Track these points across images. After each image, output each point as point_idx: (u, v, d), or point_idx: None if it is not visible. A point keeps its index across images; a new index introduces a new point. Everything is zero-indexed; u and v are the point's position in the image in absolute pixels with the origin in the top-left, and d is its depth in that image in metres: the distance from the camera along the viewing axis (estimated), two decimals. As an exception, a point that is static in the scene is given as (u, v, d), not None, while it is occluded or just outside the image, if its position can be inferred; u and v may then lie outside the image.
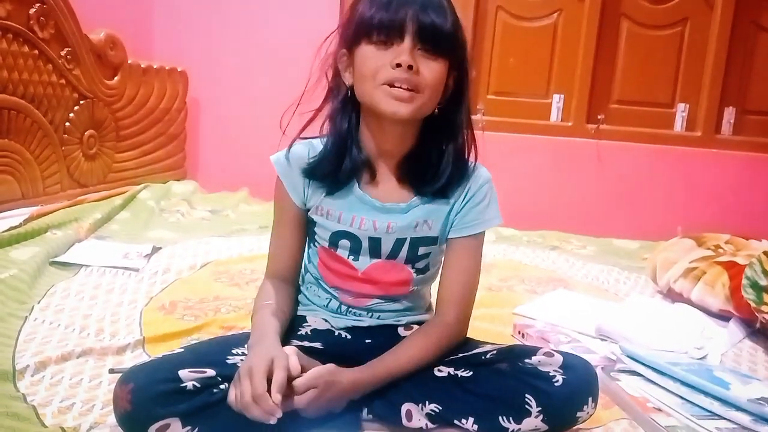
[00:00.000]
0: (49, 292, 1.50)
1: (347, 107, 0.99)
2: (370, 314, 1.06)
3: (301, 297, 1.10)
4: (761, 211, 2.73)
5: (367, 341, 1.04)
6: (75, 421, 0.95)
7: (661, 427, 1.03)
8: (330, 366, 0.89)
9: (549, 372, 0.91)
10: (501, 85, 2.93)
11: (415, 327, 1.06)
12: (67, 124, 2.30)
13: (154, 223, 2.30)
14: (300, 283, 1.11)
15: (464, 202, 1.02)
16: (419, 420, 0.94)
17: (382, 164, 1.01)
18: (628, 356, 1.23)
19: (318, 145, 1.02)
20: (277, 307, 0.99)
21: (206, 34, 3.01)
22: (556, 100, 2.90)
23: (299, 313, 1.08)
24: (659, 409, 1.08)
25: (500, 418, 0.90)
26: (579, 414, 0.92)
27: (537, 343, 1.31)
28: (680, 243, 1.93)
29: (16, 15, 2.03)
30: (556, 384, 0.90)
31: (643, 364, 1.20)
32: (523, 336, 1.43)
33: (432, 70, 0.92)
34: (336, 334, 1.05)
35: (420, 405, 0.94)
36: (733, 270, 1.63)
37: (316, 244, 1.06)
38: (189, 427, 0.83)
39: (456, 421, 0.92)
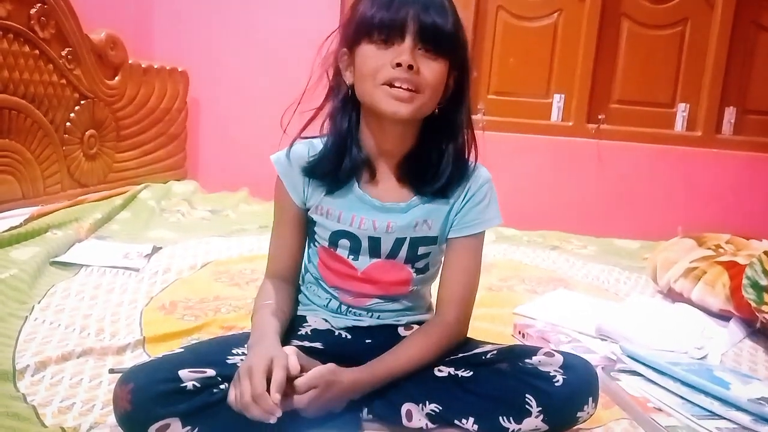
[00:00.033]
0: (49, 292, 1.50)
1: (347, 106, 0.99)
2: (370, 314, 1.06)
3: (301, 297, 1.10)
4: (761, 211, 2.73)
5: (367, 341, 1.04)
6: (75, 421, 0.95)
7: (661, 427, 1.02)
8: (330, 366, 0.89)
9: (549, 372, 0.91)
10: (501, 85, 2.93)
11: (416, 327, 1.06)
12: (68, 124, 2.30)
13: (154, 223, 2.30)
14: (300, 283, 1.11)
15: (464, 202, 1.02)
16: (419, 420, 0.94)
17: (382, 164, 1.01)
18: (628, 356, 1.23)
19: (318, 144, 1.02)
20: (277, 307, 0.99)
21: (206, 34, 3.01)
22: (557, 100, 2.90)
23: (299, 313, 1.08)
24: (659, 409, 1.08)
25: (500, 418, 0.90)
26: (579, 414, 0.91)
27: (537, 343, 1.31)
28: (680, 243, 1.93)
29: (17, 15, 2.03)
30: (556, 384, 0.90)
31: (644, 364, 1.20)
32: (523, 336, 1.43)
33: (432, 70, 0.92)
34: (336, 334, 1.05)
35: (420, 405, 0.94)
36: (734, 270, 1.63)
37: (316, 243, 1.06)
38: (189, 427, 0.83)
39: (456, 421, 0.92)
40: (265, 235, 1.15)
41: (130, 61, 2.62)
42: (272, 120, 0.99)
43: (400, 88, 0.90)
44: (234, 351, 0.93)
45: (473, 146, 1.02)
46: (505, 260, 2.17)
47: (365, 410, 0.97)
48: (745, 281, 1.49)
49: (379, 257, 1.02)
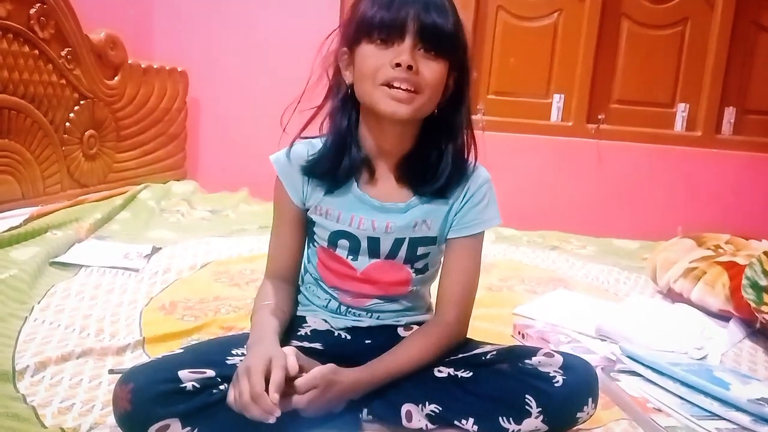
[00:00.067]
0: (49, 293, 1.50)
1: (347, 106, 0.99)
2: (369, 314, 1.06)
3: (300, 297, 1.10)
4: (761, 211, 2.73)
5: (366, 342, 1.04)
6: (75, 421, 0.95)
7: (661, 427, 1.02)
8: (330, 366, 0.89)
9: (549, 372, 0.91)
10: (501, 85, 2.93)
11: (415, 327, 1.06)
12: (68, 124, 2.30)
13: (154, 223, 2.30)
14: (299, 283, 1.11)
15: (463, 203, 1.02)
16: (419, 420, 0.93)
17: (381, 164, 1.01)
18: (628, 356, 1.23)
19: (318, 144, 1.02)
20: (276, 307, 0.99)
21: (206, 34, 3.01)
22: (557, 100, 2.90)
23: (299, 313, 1.08)
24: (659, 410, 1.08)
25: (500, 418, 0.90)
26: (579, 414, 0.91)
27: (537, 344, 1.31)
28: (680, 243, 1.93)
29: (17, 15, 2.03)
30: (556, 384, 0.90)
31: (643, 364, 1.20)
32: (523, 336, 1.43)
33: (432, 70, 0.92)
34: (336, 334, 1.05)
35: (420, 405, 0.94)
36: (733, 270, 1.63)
37: (315, 244, 1.06)
38: (189, 428, 0.83)
39: (456, 422, 0.92)
40: (265, 235, 1.15)
41: (129, 61, 2.61)
42: (272, 120, 0.99)
43: (399, 88, 0.90)
44: (234, 351, 0.93)
45: (473, 146, 1.02)
46: (505, 260, 2.17)
47: (365, 411, 0.96)
48: (744, 281, 1.49)
49: (379, 257, 1.02)
